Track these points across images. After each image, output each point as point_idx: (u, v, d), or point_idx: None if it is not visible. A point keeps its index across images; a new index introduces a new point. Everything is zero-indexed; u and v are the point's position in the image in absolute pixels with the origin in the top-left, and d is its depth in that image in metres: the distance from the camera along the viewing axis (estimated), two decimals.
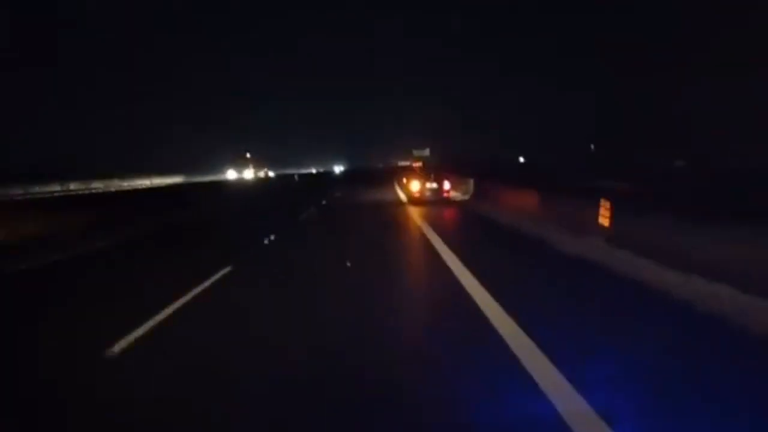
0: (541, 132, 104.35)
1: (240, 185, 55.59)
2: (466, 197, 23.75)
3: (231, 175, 79.17)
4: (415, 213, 18.07)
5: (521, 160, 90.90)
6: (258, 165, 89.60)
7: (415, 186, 21.74)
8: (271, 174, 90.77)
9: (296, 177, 75.91)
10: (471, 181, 23.87)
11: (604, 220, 9.41)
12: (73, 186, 47.93)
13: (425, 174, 23.01)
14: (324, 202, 25.18)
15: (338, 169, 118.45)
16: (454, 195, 25.69)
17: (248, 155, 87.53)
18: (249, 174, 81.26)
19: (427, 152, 47.11)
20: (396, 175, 40.70)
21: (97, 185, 50.20)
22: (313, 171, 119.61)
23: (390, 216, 18.18)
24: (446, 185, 21.76)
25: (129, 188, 47.03)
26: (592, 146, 67.99)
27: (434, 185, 21.66)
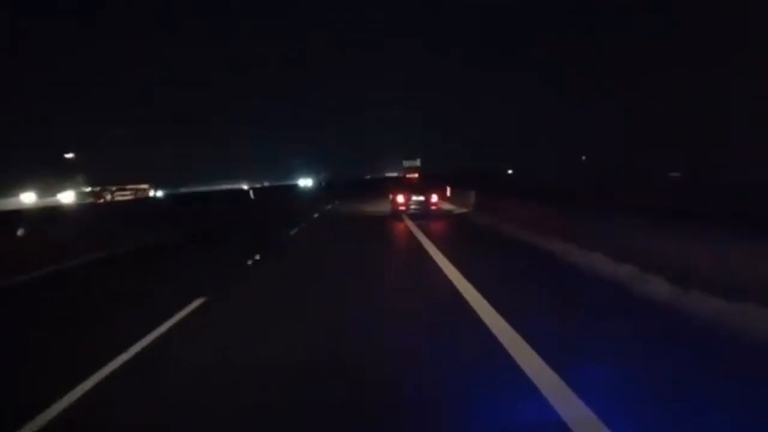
0: (526, 144, 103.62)
1: None
2: (466, 210, 22.15)
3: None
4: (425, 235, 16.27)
5: (509, 172, 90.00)
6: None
7: (400, 198, 20.55)
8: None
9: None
10: (472, 194, 22.27)
11: None
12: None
13: (413, 186, 21.74)
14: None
15: (306, 183, 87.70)
16: (451, 208, 24.32)
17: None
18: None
19: (418, 162, 45.51)
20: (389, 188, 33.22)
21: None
22: (245, 187, 71.05)
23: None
24: (433, 198, 20.53)
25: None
26: (584, 158, 67.16)
27: (420, 198, 20.49)
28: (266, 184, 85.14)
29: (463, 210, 22.05)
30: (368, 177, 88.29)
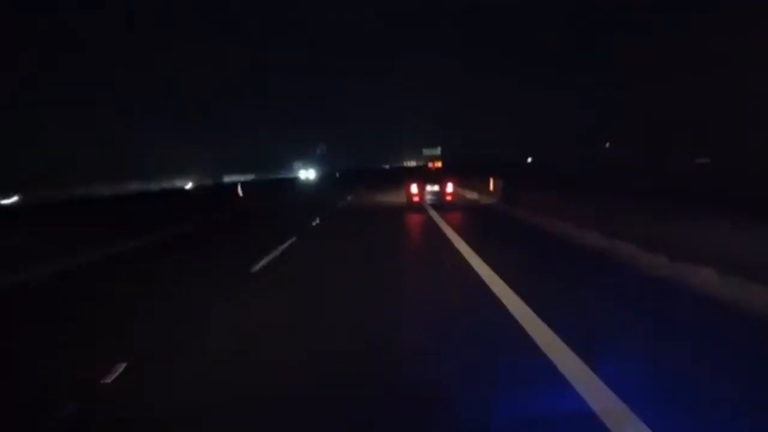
0: (541, 132, 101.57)
1: None
2: (492, 200, 21.12)
3: None
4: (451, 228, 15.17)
5: (528, 160, 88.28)
6: None
7: (413, 188, 19.71)
8: None
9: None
10: (500, 183, 21.20)
11: None
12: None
13: (428, 176, 20.99)
14: None
15: (308, 175, 70.15)
16: (477, 197, 23.34)
17: None
18: None
19: (438, 151, 44.33)
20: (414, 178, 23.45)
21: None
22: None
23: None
24: (449, 188, 19.67)
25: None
26: (607, 144, 65.28)
27: (435, 188, 19.74)
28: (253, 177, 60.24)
29: (491, 200, 21.09)
30: (387, 166, 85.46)
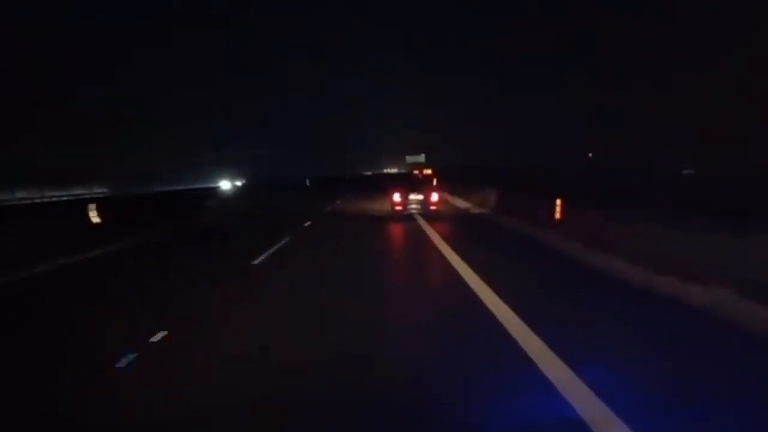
0: (526, 141, 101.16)
1: None
2: (485, 210, 19.97)
3: None
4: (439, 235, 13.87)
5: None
6: None
7: (396, 197, 18.72)
8: None
9: None
10: (493, 192, 20.06)
11: None
12: None
13: (411, 184, 19.96)
14: None
15: (226, 186, 53.44)
16: (468, 206, 22.29)
17: None
18: None
19: (422, 158, 43.31)
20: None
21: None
22: None
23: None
24: (434, 197, 18.72)
25: None
26: (590, 154, 65.14)
27: (419, 197, 18.74)
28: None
29: (484, 210, 19.97)
30: (369, 173, 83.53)
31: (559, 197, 12.18)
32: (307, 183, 55.19)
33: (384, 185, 27.41)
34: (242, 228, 18.36)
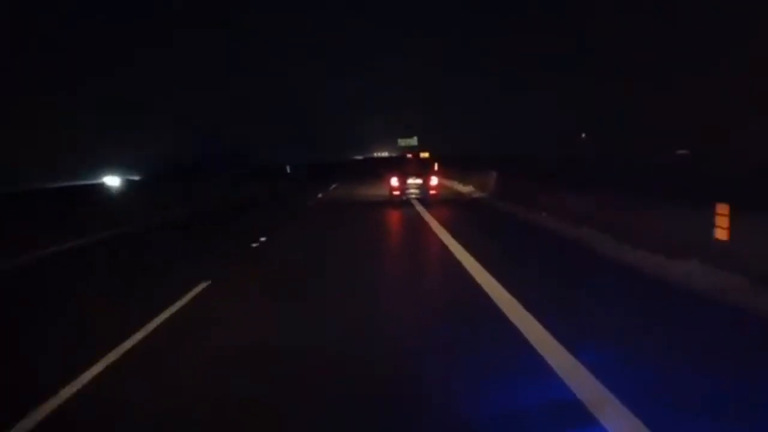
0: (520, 129, 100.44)
1: None
2: (483, 194, 19.35)
3: None
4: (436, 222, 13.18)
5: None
6: None
7: (394, 181, 17.89)
8: None
9: None
10: (493, 176, 19.41)
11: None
12: None
13: (409, 168, 18.81)
14: None
15: (113, 182, 38.76)
16: (468, 190, 21.65)
17: None
18: None
19: (415, 141, 42.42)
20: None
21: None
22: None
23: None
24: (433, 181, 17.76)
25: None
26: (584, 135, 64.43)
27: (418, 180, 17.83)
28: None
29: (483, 194, 19.35)
30: (360, 158, 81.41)
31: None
32: (288, 170, 46.69)
33: (378, 171, 26.33)
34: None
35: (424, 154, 20.30)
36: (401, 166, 18.94)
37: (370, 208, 17.49)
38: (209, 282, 7.17)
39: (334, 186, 31.69)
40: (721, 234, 6.45)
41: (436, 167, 18.67)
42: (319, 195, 24.41)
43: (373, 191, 23.23)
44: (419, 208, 15.95)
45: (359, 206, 18.66)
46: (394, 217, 15.05)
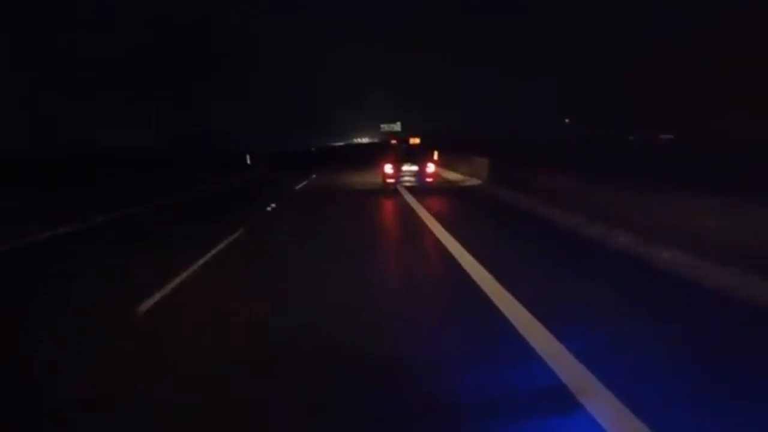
0: (498, 107, 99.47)
1: None
2: (478, 182, 18.32)
3: None
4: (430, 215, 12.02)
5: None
6: None
7: (388, 168, 17.12)
8: None
9: None
10: (486, 162, 18.35)
11: None
12: None
13: (403, 154, 18.24)
14: None
15: None
16: (460, 179, 20.63)
17: None
18: None
19: (398, 126, 41.21)
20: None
21: None
22: None
23: None
24: (429, 168, 16.98)
25: None
26: (567, 120, 64.10)
27: (413, 168, 17.06)
28: None
29: (477, 182, 18.31)
30: (341, 144, 78.53)
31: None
32: (248, 161, 37.98)
33: (360, 159, 24.75)
34: None
35: (415, 140, 19.30)
36: (396, 153, 18.24)
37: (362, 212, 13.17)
38: None
39: (313, 176, 26.15)
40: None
41: (435, 156, 17.69)
42: (297, 186, 20.45)
43: (361, 185, 19.98)
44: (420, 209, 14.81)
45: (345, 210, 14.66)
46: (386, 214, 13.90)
